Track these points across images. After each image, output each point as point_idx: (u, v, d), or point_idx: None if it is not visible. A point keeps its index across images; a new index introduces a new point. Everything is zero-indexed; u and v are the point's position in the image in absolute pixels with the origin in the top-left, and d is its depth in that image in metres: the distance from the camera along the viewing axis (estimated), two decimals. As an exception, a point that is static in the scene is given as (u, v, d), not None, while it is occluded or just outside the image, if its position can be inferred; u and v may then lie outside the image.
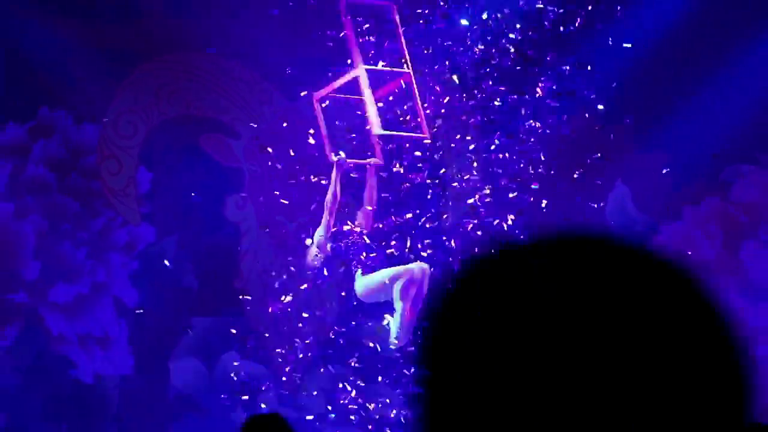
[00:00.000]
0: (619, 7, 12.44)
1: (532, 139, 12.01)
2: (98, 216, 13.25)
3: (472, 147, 11.95)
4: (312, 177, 12.12)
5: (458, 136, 11.94)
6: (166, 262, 13.17)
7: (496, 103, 11.95)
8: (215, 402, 12.95)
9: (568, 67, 12.17)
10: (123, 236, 13.28)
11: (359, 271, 10.36)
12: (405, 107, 11.18)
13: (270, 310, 12.88)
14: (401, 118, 11.25)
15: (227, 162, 13.39)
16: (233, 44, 13.18)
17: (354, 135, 11.36)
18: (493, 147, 11.98)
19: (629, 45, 12.45)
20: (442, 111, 11.93)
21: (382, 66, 10.85)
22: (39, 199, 13.18)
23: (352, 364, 12.24)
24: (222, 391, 12.96)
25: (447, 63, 11.81)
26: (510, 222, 11.82)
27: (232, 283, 13.26)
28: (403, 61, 10.80)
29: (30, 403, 12.90)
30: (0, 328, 12.99)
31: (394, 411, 12.04)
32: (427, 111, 11.27)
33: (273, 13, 12.45)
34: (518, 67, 11.92)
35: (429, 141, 11.09)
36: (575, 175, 12.48)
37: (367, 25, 11.48)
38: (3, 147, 13.17)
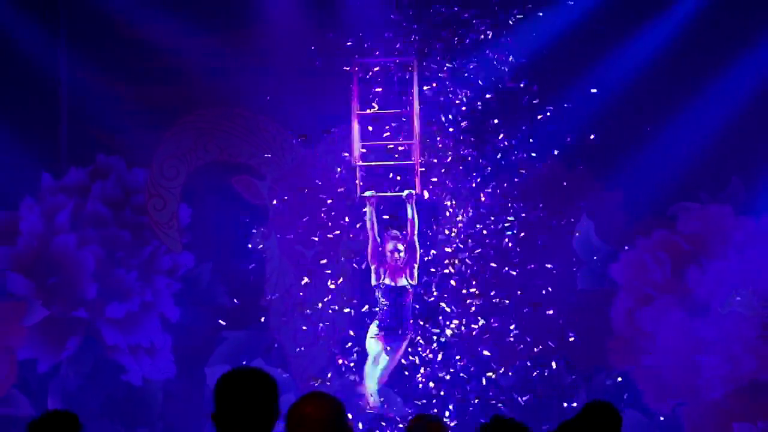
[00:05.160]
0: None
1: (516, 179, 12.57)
2: (146, 245, 13.78)
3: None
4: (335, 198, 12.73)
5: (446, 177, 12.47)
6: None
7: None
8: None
9: (548, 113, 12.82)
10: (167, 262, 13.80)
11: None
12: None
13: (290, 324, 13.46)
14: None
15: (254, 199, 13.79)
16: (259, 100, 13.72)
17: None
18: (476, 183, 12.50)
19: (595, 90, 13.09)
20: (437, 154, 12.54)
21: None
22: (97, 231, 13.72)
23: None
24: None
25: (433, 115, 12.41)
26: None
27: (259, 301, 13.72)
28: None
29: (89, 402, 13.47)
30: (64, 340, 13.63)
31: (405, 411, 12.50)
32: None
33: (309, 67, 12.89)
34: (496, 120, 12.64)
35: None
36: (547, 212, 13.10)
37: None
38: (67, 187, 13.74)
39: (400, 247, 11.44)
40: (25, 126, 13.61)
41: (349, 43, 12.73)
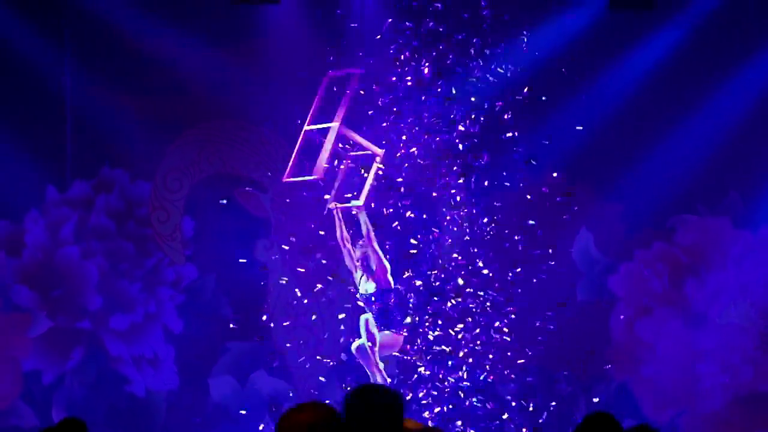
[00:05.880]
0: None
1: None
2: (150, 257, 13.83)
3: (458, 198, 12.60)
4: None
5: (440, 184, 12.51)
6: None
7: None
8: (247, 413, 13.59)
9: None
10: (170, 274, 13.86)
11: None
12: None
13: (293, 335, 13.54)
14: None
15: (257, 212, 13.87)
16: (261, 113, 13.82)
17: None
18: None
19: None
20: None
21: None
22: (101, 244, 13.78)
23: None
24: (252, 403, 13.60)
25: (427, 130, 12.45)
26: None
27: (261, 312, 13.72)
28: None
29: (93, 412, 13.44)
30: (68, 351, 13.69)
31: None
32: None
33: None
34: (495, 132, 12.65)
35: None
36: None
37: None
38: (71, 200, 13.80)
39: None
40: (30, 139, 13.69)
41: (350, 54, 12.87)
